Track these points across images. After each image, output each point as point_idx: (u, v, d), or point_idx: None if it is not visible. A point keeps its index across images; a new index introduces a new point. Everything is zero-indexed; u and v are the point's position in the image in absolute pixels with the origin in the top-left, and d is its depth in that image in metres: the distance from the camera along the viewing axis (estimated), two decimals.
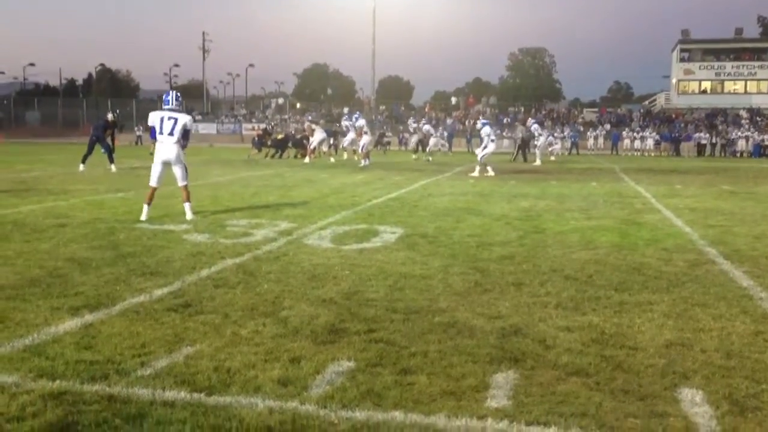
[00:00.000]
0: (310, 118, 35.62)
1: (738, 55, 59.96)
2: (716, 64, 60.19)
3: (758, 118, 50.73)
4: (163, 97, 9.62)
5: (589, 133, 48.37)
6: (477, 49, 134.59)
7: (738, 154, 42.57)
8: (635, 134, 46.21)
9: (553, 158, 31.02)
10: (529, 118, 36.69)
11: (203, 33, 69.41)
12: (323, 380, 3.52)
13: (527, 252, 7.15)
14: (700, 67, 60.26)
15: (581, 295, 5.37)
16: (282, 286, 5.57)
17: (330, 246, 7.40)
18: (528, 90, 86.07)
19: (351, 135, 26.28)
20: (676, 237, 8.19)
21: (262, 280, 5.76)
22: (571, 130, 46.42)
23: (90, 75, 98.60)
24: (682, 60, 60.86)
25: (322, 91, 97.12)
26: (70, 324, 4.38)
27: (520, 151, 30.02)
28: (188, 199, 9.35)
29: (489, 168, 18.37)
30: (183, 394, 3.29)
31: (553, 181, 16.79)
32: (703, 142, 44.28)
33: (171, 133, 9.12)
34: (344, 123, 29.08)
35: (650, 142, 45.19)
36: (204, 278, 5.77)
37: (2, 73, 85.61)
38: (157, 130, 9.22)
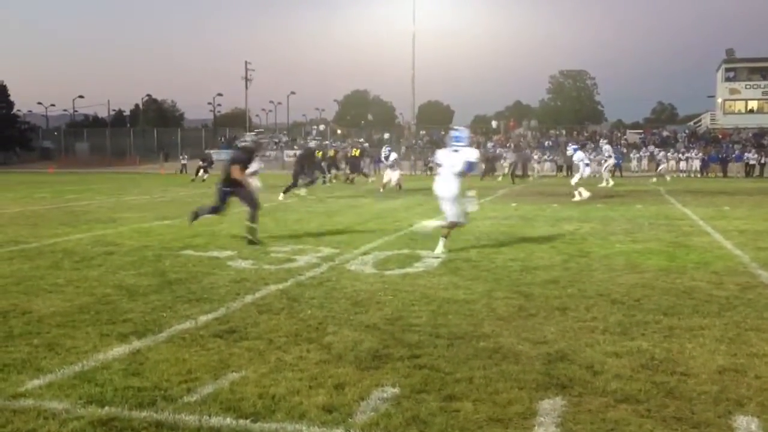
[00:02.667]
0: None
1: None
2: (763, 83, 59.01)
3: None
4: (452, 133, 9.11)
5: (632, 155, 47.74)
6: (517, 73, 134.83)
7: None
8: (680, 155, 45.42)
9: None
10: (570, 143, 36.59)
11: (245, 62, 70.51)
12: (368, 406, 3.51)
13: (572, 276, 7.05)
14: (746, 86, 59.13)
15: (629, 319, 5.26)
16: (325, 311, 5.58)
17: (372, 271, 7.41)
18: (569, 112, 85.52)
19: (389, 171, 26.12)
20: (726, 260, 7.99)
21: (306, 305, 5.79)
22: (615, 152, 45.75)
23: (137, 106, 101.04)
24: (727, 79, 59.82)
25: (363, 117, 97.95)
26: (119, 350, 4.46)
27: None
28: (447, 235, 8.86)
29: (583, 191, 18.19)
30: (229, 421, 3.31)
31: (598, 204, 16.56)
32: (752, 162, 43.25)
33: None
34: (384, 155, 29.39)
35: (696, 163, 44.34)
36: (248, 304, 5.82)
37: (53, 105, 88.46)
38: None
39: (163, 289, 6.44)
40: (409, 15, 53.63)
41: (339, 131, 69.91)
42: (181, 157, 49.47)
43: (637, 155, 47.64)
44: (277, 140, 65.09)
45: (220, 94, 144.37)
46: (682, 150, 47.29)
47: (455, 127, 9.42)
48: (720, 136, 53.47)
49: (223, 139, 68.36)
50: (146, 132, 74.14)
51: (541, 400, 3.61)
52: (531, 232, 10.68)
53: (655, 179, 26.80)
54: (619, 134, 61.09)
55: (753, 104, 59.11)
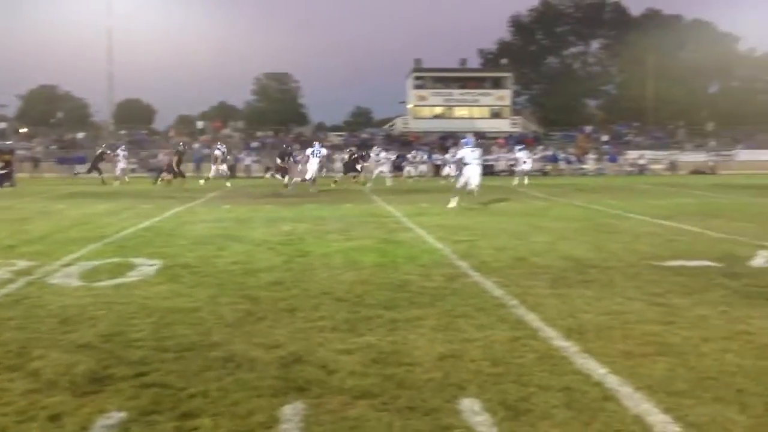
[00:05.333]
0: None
1: (463, 83, 65.98)
2: (445, 91, 65.63)
3: (482, 141, 56.15)
4: None
5: (336, 156, 50.00)
6: (221, 74, 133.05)
7: None
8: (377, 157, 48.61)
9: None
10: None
11: None
12: None
13: (295, 276, 7.11)
14: (432, 93, 65.30)
15: (354, 316, 5.43)
16: (28, 333, 4.93)
17: (80, 284, 6.74)
18: (275, 114, 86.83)
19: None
20: (431, 253, 8.67)
21: (3, 328, 5.06)
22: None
23: None
24: (416, 87, 65.45)
25: (52, 114, 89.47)
26: None
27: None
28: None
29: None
30: None
31: (309, 204, 17.01)
32: (438, 162, 47.88)
33: None
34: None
35: (389, 165, 47.79)
36: None
37: None
38: None
39: None
40: (104, 8, 50.44)
41: (22, 130, 62.92)
42: None
43: (341, 156, 50.01)
44: None
45: None
46: (377, 151, 50.60)
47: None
48: (411, 139, 58.34)
49: None
50: None
51: (281, 406, 3.55)
52: (249, 234, 10.59)
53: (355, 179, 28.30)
54: (322, 136, 63.67)
55: (438, 110, 65.46)
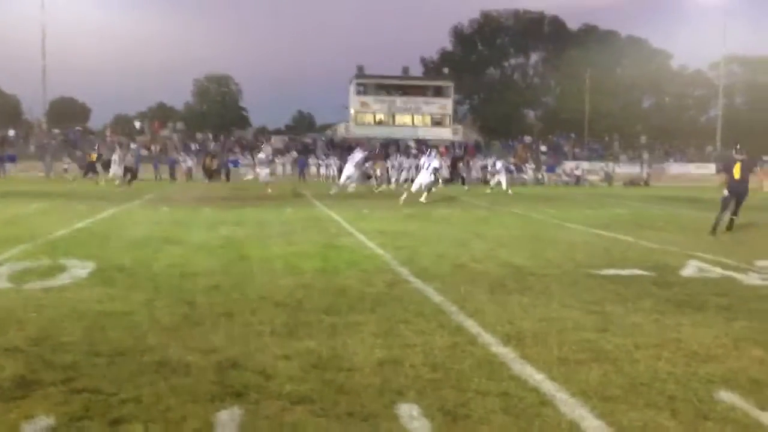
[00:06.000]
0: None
1: (406, 91, 66.38)
2: (387, 98, 65.89)
3: (424, 148, 56.58)
4: None
5: (277, 160, 49.65)
6: (160, 74, 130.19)
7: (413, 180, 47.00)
8: (320, 161, 48.50)
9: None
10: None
11: None
12: None
13: (234, 280, 7.00)
14: (374, 100, 65.45)
15: (294, 320, 5.37)
16: None
17: (8, 286, 6.50)
18: (215, 117, 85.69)
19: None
20: (373, 259, 8.66)
21: None
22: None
23: None
24: (358, 93, 65.52)
25: None
26: None
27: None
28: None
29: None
30: None
31: (249, 208, 16.81)
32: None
33: None
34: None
35: (334, 169, 47.77)
36: None
37: None
38: None
39: None
40: (37, 1, 49.06)
41: None
42: None
43: (281, 160, 49.65)
44: None
45: None
46: (322, 157, 50.53)
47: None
48: (354, 145, 58.38)
49: None
50: None
51: (217, 411, 3.48)
52: (187, 237, 10.39)
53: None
54: (264, 140, 63.14)
55: (380, 116, 65.68)
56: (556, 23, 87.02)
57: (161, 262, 8.06)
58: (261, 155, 26.33)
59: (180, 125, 66.05)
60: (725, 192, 12.70)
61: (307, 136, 65.30)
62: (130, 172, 27.97)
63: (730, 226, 12.68)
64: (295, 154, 52.21)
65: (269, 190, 23.76)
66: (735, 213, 12.83)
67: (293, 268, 7.81)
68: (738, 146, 12.76)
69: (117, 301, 5.95)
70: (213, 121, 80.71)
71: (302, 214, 15.22)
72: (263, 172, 25.30)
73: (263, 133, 75.44)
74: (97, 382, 3.84)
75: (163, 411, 3.47)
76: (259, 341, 4.77)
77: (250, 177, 25.30)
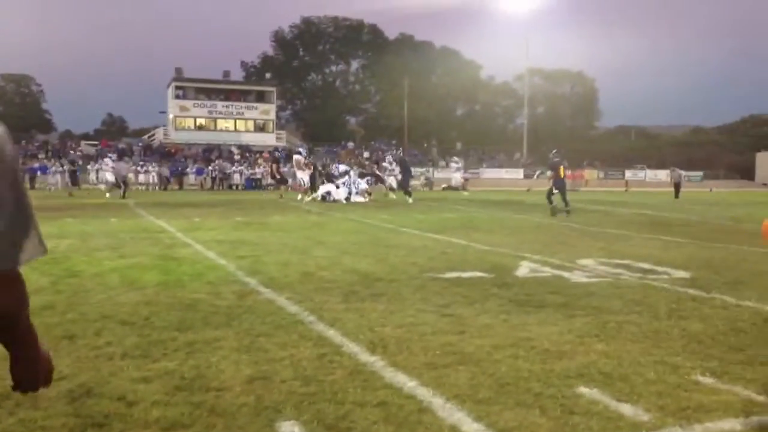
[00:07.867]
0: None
1: (227, 95, 64.97)
2: (208, 102, 64.09)
3: (248, 154, 55.76)
4: None
5: (89, 167, 46.67)
6: None
7: (234, 187, 46.25)
8: (139, 168, 46.19)
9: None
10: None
11: None
12: None
13: (68, 299, 6.43)
14: (194, 104, 63.38)
15: (145, 340, 5.02)
16: None
17: None
18: (14, 119, 78.90)
19: None
20: (216, 270, 8.34)
21: None
22: (69, 163, 43.84)
23: None
24: (177, 97, 63.14)
25: None
26: None
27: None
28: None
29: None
30: None
31: (68, 219, 15.60)
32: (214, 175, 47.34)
33: None
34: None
35: (154, 176, 45.78)
36: None
37: None
38: None
39: None
40: None
41: None
42: None
43: (96, 166, 46.68)
44: None
45: None
46: (140, 163, 48.11)
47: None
48: (173, 151, 56.21)
49: None
50: None
51: None
52: None
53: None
54: (73, 145, 59.08)
55: (201, 121, 63.75)
56: (375, 31, 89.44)
57: None
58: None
59: None
60: (553, 188, 18.21)
61: (122, 141, 62.00)
62: None
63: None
64: (114, 158, 49.25)
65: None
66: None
67: (132, 283, 7.32)
68: (555, 151, 17.72)
69: None
70: (11, 124, 73.84)
71: (129, 225, 14.37)
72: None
73: (70, 137, 70.74)
74: None
75: None
76: (111, 365, 4.40)
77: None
